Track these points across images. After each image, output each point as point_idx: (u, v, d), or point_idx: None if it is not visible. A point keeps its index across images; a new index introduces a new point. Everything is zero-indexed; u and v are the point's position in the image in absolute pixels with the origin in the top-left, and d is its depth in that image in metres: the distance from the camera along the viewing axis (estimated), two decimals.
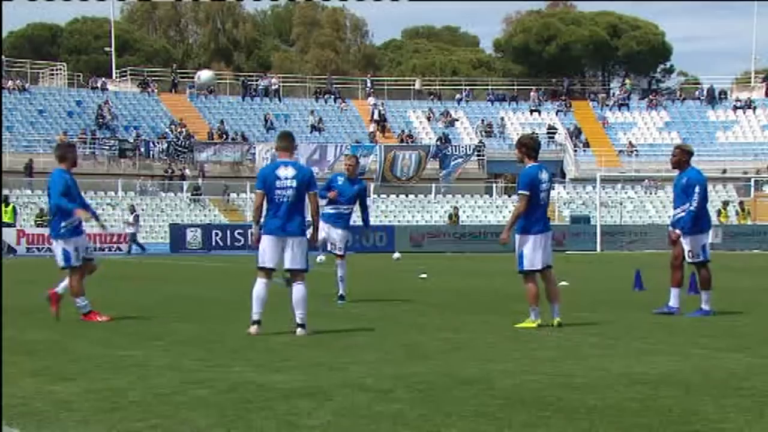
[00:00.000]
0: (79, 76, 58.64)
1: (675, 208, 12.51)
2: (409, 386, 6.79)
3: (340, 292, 14.18)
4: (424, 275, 21.43)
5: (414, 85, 63.02)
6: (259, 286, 9.98)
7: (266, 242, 9.95)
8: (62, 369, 7.71)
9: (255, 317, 9.98)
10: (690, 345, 9.18)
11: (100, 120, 52.61)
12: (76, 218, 11.48)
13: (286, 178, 9.90)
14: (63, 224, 11.37)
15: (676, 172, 12.66)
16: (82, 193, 12.30)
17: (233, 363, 7.97)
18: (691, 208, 12.06)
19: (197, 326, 10.92)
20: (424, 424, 5.58)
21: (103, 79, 58.10)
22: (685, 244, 12.18)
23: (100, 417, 5.82)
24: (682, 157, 12.51)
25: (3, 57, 51.48)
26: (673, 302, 12.24)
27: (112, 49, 63.39)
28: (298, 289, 9.96)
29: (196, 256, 36.23)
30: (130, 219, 39.94)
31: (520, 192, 10.75)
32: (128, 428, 5.52)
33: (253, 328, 9.93)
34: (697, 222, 12.13)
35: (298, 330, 9.91)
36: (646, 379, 7.08)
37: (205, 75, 13.16)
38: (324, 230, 13.69)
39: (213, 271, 25.21)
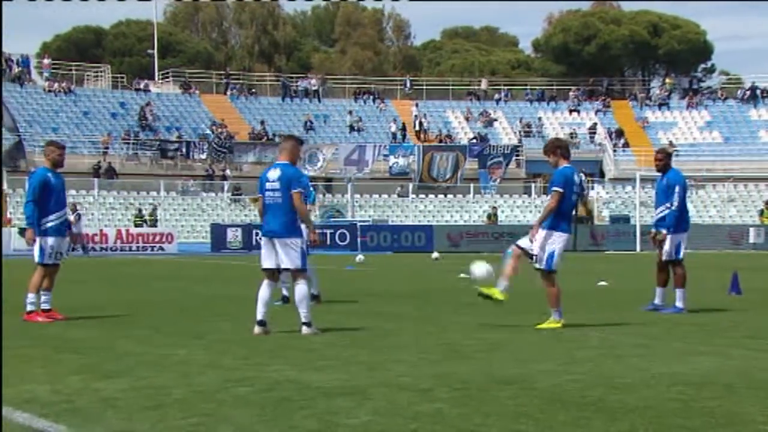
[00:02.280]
0: (122, 77, 59.21)
1: (656, 209, 12.81)
2: (448, 386, 6.76)
3: (313, 291, 13.51)
4: (463, 275, 21.37)
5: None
6: (262, 288, 10.07)
7: (262, 244, 10.20)
8: (107, 367, 7.77)
9: (258, 317, 10.02)
10: (732, 346, 9.06)
11: (143, 121, 53.06)
12: (62, 216, 11.57)
13: (272, 180, 9.99)
14: (45, 220, 11.41)
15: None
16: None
17: (273, 362, 7.99)
18: (673, 207, 12.37)
19: (238, 325, 10.96)
20: (463, 424, 5.56)
21: (146, 80, 58.66)
22: (666, 244, 12.43)
23: (144, 414, 5.85)
24: (667, 160, 12.79)
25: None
26: (658, 300, 12.58)
27: (155, 51, 63.93)
28: (298, 289, 9.95)
29: (237, 256, 36.42)
30: (72, 218, 36.76)
31: (554, 189, 10.67)
32: (171, 425, 5.55)
33: (256, 329, 9.96)
34: (679, 221, 12.42)
35: (304, 329, 9.88)
36: (687, 380, 7.00)
37: (479, 271, 10.70)
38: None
39: (253, 271, 25.31)
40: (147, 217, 43.69)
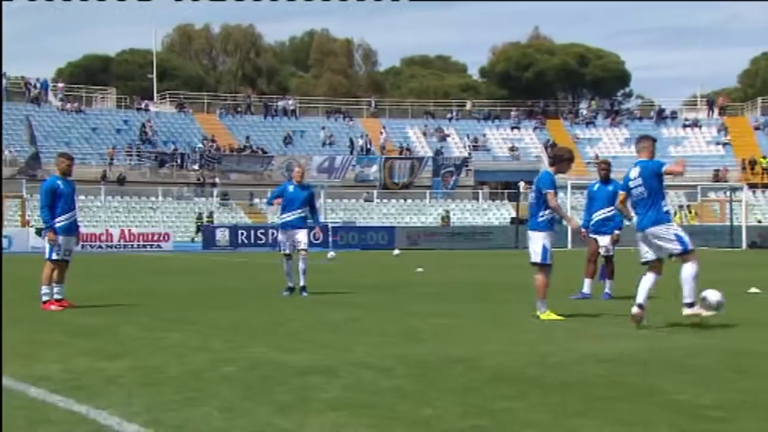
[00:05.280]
0: (126, 99, 58.70)
1: (593, 213, 12.66)
2: (407, 365, 6.74)
3: (303, 283, 13.29)
4: (420, 269, 21.37)
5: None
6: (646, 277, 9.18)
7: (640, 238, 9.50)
8: (111, 349, 7.67)
9: (638, 300, 9.05)
10: (649, 329, 9.10)
11: (144, 136, 52.70)
12: (71, 217, 11.42)
13: (633, 178, 9.45)
14: (55, 221, 11.29)
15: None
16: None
17: (255, 345, 7.92)
18: None
19: (226, 313, 10.88)
20: (420, 398, 5.54)
21: (146, 101, 58.20)
22: (605, 240, 12.56)
23: (142, 391, 5.78)
24: (609, 169, 12.83)
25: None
26: (586, 289, 12.62)
27: (154, 75, 63.47)
28: (685, 268, 9.13)
29: (225, 253, 36.20)
30: None
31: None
32: (166, 400, 5.48)
33: (634, 309, 8.92)
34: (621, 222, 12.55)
35: (685, 309, 9.08)
36: (612, 358, 7.02)
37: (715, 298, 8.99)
38: (288, 236, 13.26)
39: (239, 266, 25.17)
40: (206, 219, 44.48)
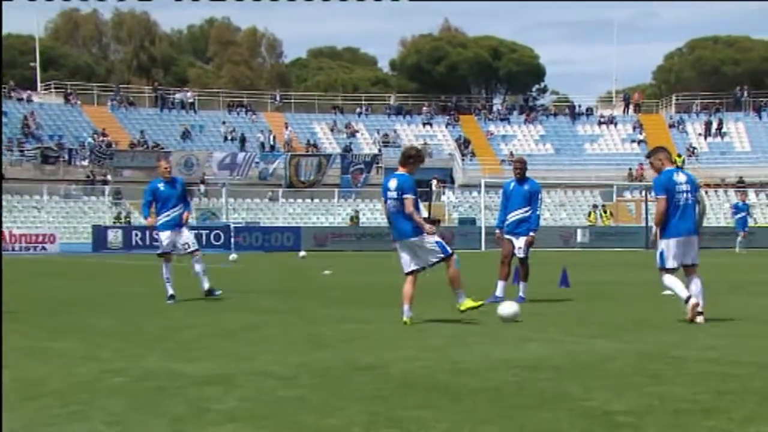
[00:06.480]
0: (5, 88, 56.87)
1: (508, 213, 12.73)
2: (311, 373, 6.73)
3: (207, 286, 13.27)
4: (327, 272, 21.36)
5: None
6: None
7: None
8: None
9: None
10: (562, 333, 9.30)
11: (26, 129, 51.16)
12: None
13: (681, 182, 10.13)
14: None
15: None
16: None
17: (148, 353, 7.79)
18: (538, 212, 12.70)
19: (116, 319, 10.66)
20: (324, 407, 5.54)
21: (29, 91, 56.52)
22: (520, 242, 12.63)
23: (22, 405, 5.62)
24: (525, 169, 12.90)
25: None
26: (499, 292, 12.66)
27: (37, 64, 61.76)
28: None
29: (117, 255, 35.46)
30: None
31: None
32: (49, 414, 5.35)
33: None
34: (537, 223, 12.75)
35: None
36: (522, 364, 7.15)
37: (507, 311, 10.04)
38: (169, 237, 13.17)
39: (132, 269, 24.69)
40: (123, 219, 44.46)
